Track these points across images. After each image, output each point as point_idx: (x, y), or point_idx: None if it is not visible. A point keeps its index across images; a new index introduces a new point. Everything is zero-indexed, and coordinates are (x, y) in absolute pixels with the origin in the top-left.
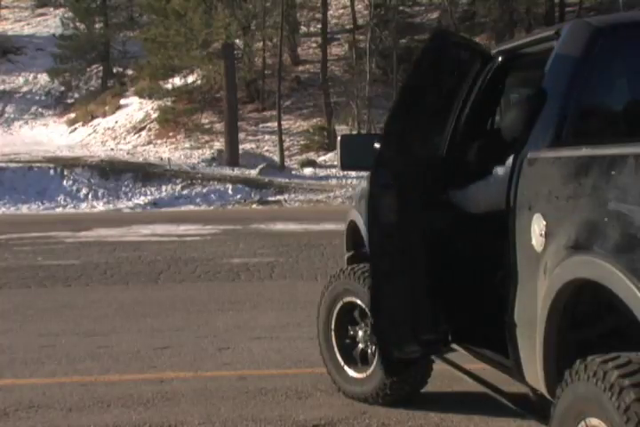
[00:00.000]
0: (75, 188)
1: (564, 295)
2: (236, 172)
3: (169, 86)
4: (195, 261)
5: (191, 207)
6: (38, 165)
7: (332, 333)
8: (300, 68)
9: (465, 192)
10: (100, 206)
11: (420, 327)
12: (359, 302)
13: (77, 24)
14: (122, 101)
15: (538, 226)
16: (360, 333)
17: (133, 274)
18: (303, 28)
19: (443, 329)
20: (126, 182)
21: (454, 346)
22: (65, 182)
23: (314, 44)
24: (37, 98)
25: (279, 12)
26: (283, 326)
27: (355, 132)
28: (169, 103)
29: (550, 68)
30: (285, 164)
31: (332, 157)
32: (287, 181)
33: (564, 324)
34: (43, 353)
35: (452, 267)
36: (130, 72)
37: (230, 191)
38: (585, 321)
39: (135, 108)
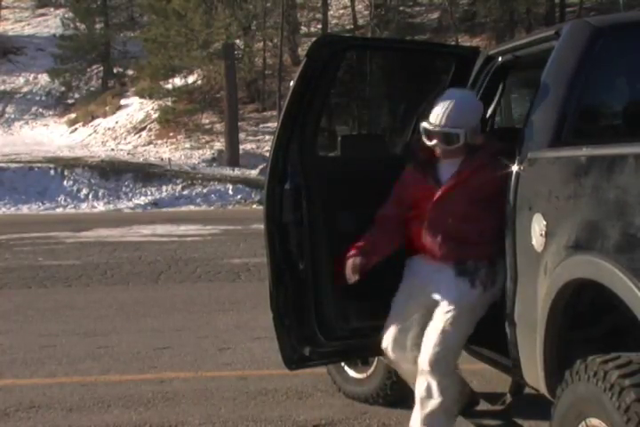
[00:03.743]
0: (75, 188)
1: (565, 295)
2: (237, 172)
3: (169, 86)
4: (195, 261)
5: (191, 207)
6: (39, 165)
7: None
8: None
9: None
10: (100, 207)
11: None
12: None
13: (78, 24)
14: (122, 102)
15: (538, 226)
16: None
17: (134, 274)
18: (303, 29)
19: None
20: (127, 183)
21: None
22: (65, 183)
23: None
24: (38, 98)
25: (279, 12)
26: None
27: (355, 133)
28: (169, 103)
29: (550, 68)
30: None
31: None
32: None
33: (564, 324)
34: (43, 353)
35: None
36: (130, 72)
37: (231, 191)
38: (585, 321)
39: (136, 108)
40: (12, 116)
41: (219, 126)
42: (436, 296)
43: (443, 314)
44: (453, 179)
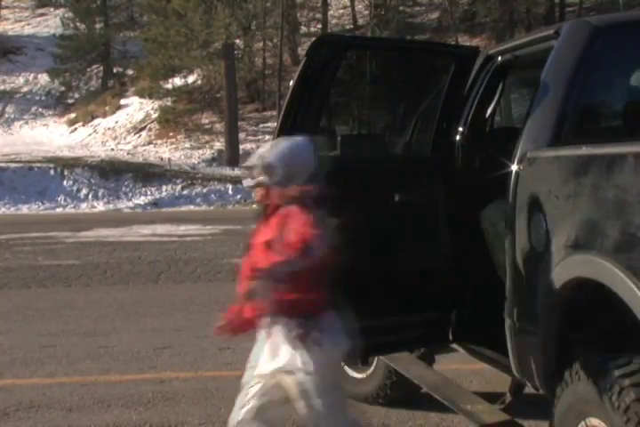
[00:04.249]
0: (75, 188)
1: (564, 294)
2: (237, 172)
3: (169, 86)
4: (195, 261)
5: (191, 207)
6: (39, 165)
7: None
8: None
9: None
10: (100, 206)
11: None
12: None
13: (78, 24)
14: (122, 101)
15: (538, 225)
16: None
17: (134, 274)
18: (303, 28)
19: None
20: (126, 182)
21: (454, 346)
22: (65, 182)
23: None
24: (38, 98)
25: (279, 12)
26: None
27: (355, 133)
28: (169, 103)
29: (550, 68)
30: None
31: None
32: None
33: (564, 323)
34: (43, 353)
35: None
36: (130, 72)
37: (230, 191)
38: (585, 320)
39: (135, 108)
40: (12, 115)
41: (219, 126)
42: (280, 366)
43: (296, 390)
44: (264, 228)
